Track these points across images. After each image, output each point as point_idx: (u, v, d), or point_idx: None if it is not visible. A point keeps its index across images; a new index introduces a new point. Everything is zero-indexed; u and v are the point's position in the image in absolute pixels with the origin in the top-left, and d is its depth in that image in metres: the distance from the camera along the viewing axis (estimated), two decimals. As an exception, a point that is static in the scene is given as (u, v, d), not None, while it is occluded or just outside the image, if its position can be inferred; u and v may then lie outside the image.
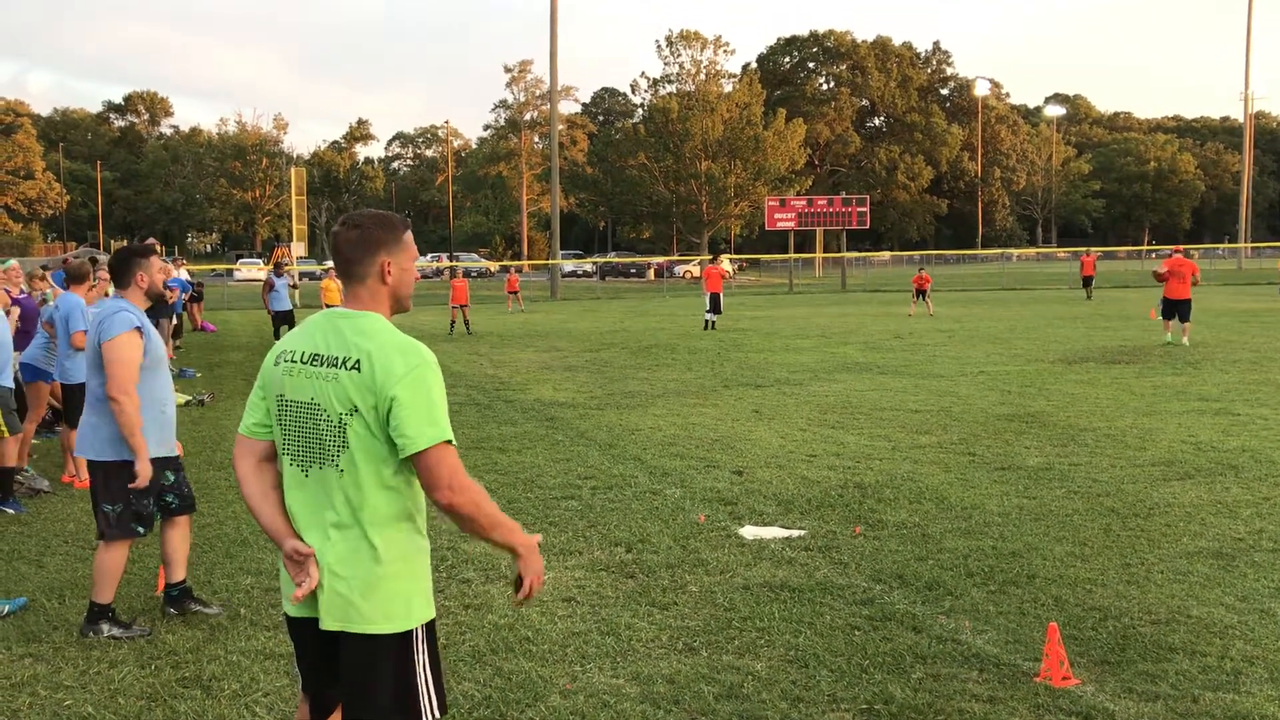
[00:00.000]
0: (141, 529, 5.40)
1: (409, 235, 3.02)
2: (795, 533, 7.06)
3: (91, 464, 5.42)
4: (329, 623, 2.87)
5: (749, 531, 7.10)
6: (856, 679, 4.68)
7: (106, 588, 5.33)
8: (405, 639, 2.90)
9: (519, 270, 41.16)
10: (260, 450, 2.99)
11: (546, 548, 6.77)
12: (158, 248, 8.46)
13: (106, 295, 10.07)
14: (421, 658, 2.93)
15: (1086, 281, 38.80)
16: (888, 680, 4.65)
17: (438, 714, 2.96)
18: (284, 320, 21.60)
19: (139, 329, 5.31)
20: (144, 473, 5.26)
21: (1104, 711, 4.31)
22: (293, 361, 2.92)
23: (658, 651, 5.04)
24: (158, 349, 5.47)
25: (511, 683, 4.68)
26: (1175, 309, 19.53)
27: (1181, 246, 24.18)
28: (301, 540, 2.88)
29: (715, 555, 6.56)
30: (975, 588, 5.88)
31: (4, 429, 7.92)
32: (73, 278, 9.04)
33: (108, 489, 5.32)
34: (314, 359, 2.89)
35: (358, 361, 2.82)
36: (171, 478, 5.47)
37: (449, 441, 2.80)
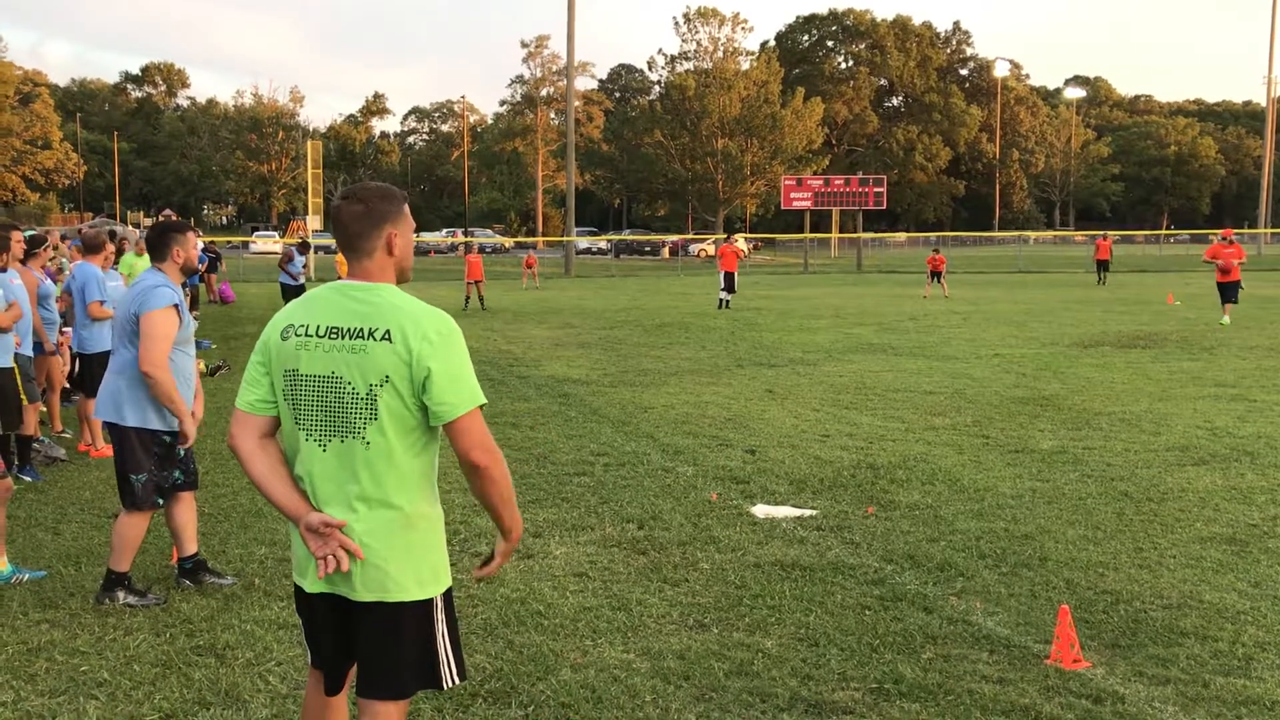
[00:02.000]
0: (161, 501, 5.44)
1: (407, 206, 3.03)
2: (807, 512, 7.06)
3: (112, 429, 5.44)
4: (365, 595, 2.86)
5: (761, 510, 7.11)
6: (867, 658, 4.69)
7: (125, 557, 5.37)
8: (427, 606, 2.92)
9: (534, 248, 41.13)
10: (262, 426, 2.96)
11: (559, 523, 6.80)
12: (174, 219, 8.49)
13: (115, 265, 10.12)
14: (441, 625, 2.95)
15: (1101, 266, 36.87)
16: (898, 660, 4.66)
17: (457, 680, 2.99)
18: (294, 296, 21.60)
19: (176, 306, 5.35)
20: (189, 434, 5.36)
21: (1114, 694, 4.31)
22: (306, 335, 2.88)
23: (668, 627, 5.06)
24: (189, 327, 5.50)
25: (523, 656, 4.71)
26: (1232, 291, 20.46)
27: (1231, 231, 24.23)
28: (315, 514, 2.86)
29: (727, 533, 6.58)
30: (987, 569, 5.88)
31: (24, 396, 7.97)
32: (88, 248, 9.07)
33: (134, 458, 5.35)
34: (332, 332, 2.86)
35: (388, 332, 2.81)
36: (180, 453, 5.50)
37: (480, 405, 2.86)
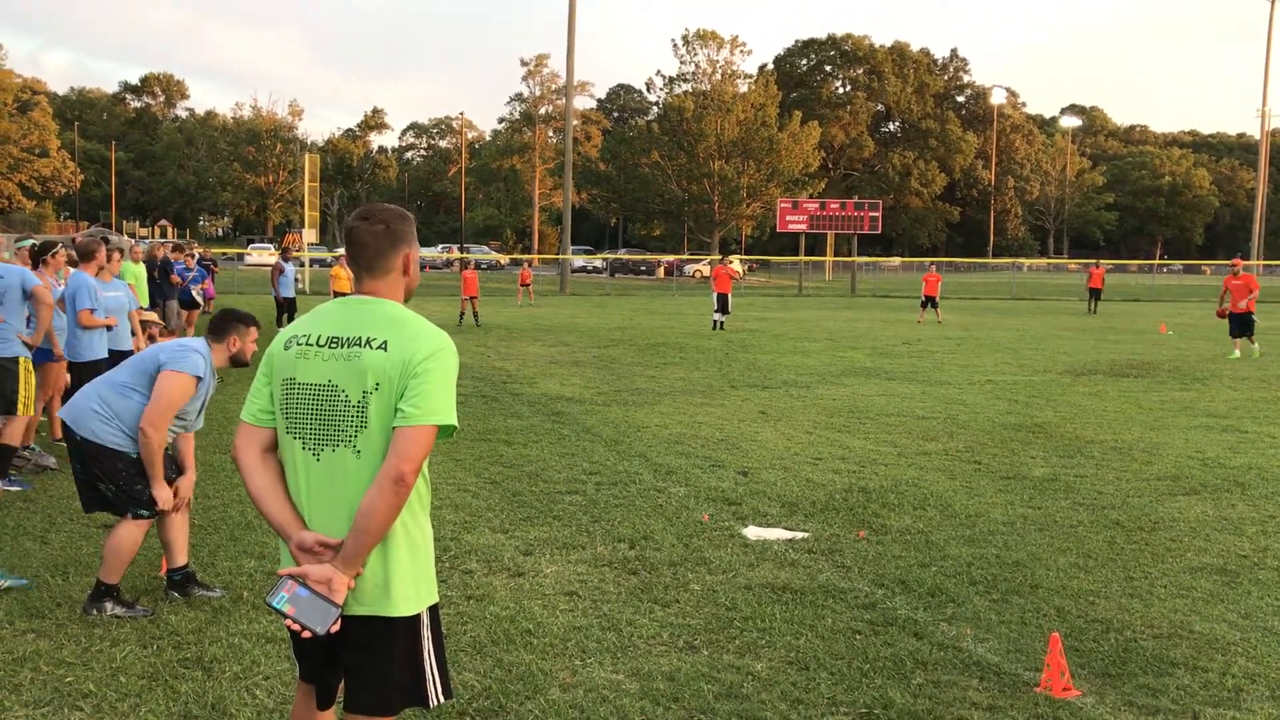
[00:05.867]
0: (145, 512, 5.41)
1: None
2: (799, 535, 7.05)
3: (70, 437, 5.40)
4: (355, 608, 2.85)
5: (752, 532, 7.09)
6: (857, 683, 4.67)
7: (115, 569, 5.34)
8: (414, 622, 2.91)
9: (530, 264, 41.26)
10: (264, 439, 2.97)
11: (550, 541, 6.78)
12: (169, 231, 8.47)
13: (117, 274, 10.10)
14: (427, 642, 2.94)
15: (1093, 294, 36.89)
16: (888, 685, 4.65)
17: (442, 699, 2.97)
18: (288, 308, 21.66)
19: (199, 379, 5.34)
20: (163, 499, 5.36)
21: (1104, 724, 4.30)
22: (307, 345, 2.91)
23: (658, 648, 5.04)
24: (205, 398, 5.50)
25: (512, 674, 4.68)
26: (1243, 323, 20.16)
27: (1240, 261, 24.00)
28: (309, 533, 2.85)
29: (718, 554, 6.56)
30: (978, 596, 5.87)
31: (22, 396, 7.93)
32: (82, 256, 9.05)
33: (103, 469, 5.34)
34: (333, 341, 2.89)
35: (385, 342, 2.84)
36: (138, 485, 5.47)
37: (441, 427, 2.82)
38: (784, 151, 68.66)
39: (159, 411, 5.22)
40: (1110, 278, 46.51)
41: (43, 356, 9.09)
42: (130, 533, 5.37)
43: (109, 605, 5.32)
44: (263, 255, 64.52)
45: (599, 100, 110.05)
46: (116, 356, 8.69)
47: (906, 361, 18.62)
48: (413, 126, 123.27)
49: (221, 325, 5.53)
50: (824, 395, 14.02)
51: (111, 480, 5.34)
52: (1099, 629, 5.37)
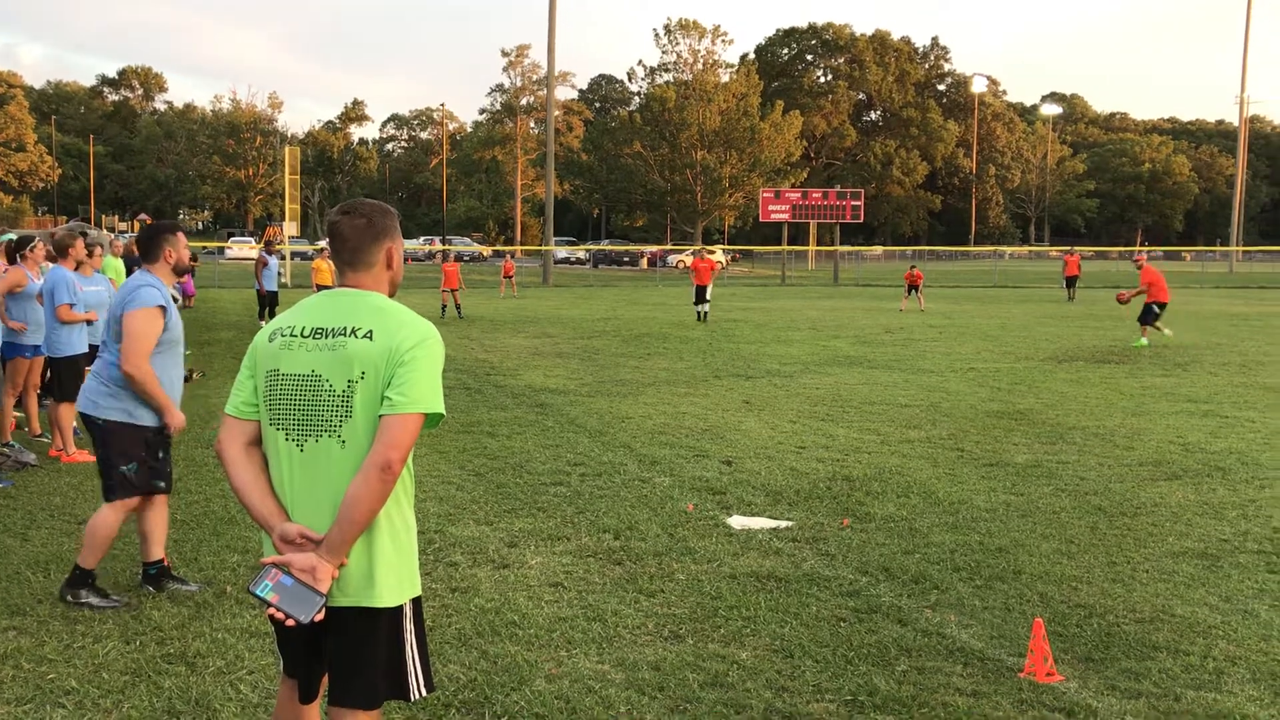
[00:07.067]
0: (162, 484, 5.44)
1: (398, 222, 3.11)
2: (783, 523, 7.07)
3: (94, 424, 5.38)
4: (340, 600, 2.85)
5: (737, 521, 7.10)
6: (841, 670, 4.69)
7: (94, 554, 5.34)
8: (397, 614, 2.91)
9: (512, 256, 41.16)
10: (248, 432, 2.97)
11: (535, 533, 6.77)
12: (165, 221, 8.46)
13: (99, 269, 10.03)
14: (410, 634, 2.94)
15: (1070, 282, 37.22)
16: (872, 672, 4.66)
17: (424, 691, 2.97)
18: (271, 301, 21.58)
19: (162, 307, 5.34)
20: (176, 423, 5.37)
21: (1086, 708, 4.32)
22: (291, 336, 2.92)
23: (644, 638, 5.04)
24: (176, 329, 5.47)
25: (497, 666, 4.68)
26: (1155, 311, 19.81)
27: (1142, 257, 23.61)
28: (292, 525, 2.85)
29: (703, 544, 6.57)
30: (961, 582, 5.89)
31: None
32: (57, 250, 8.98)
33: (121, 449, 5.32)
34: (316, 332, 2.89)
35: (370, 331, 2.85)
36: (160, 456, 5.47)
37: (428, 415, 2.82)
38: (766, 141, 68.63)
39: (135, 351, 5.22)
40: (1091, 265, 46.75)
41: (12, 351, 9.02)
42: (108, 517, 5.35)
43: (84, 593, 5.33)
44: (243, 249, 64.19)
45: (580, 91, 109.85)
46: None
47: (889, 350, 18.67)
48: (393, 118, 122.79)
49: (152, 244, 5.50)
50: (807, 384, 14.05)
51: (131, 457, 5.31)
52: (1082, 614, 5.40)
